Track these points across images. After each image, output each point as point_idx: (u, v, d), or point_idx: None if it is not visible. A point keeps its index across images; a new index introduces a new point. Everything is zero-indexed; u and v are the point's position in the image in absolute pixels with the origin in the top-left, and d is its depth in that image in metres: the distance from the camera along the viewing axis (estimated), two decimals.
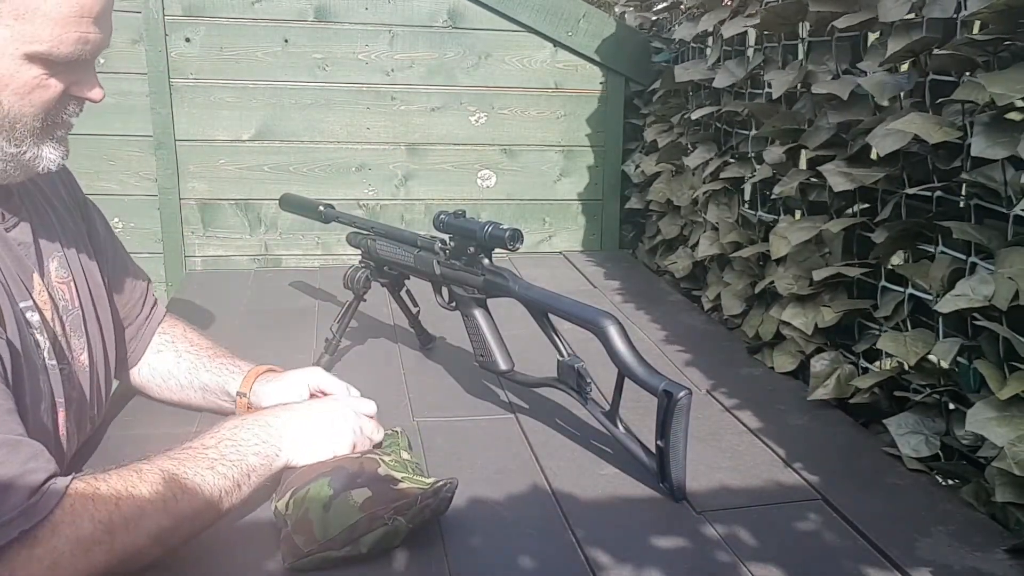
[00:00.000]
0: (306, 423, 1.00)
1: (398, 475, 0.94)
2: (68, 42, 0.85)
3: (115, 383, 1.20)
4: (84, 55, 0.88)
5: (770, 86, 1.47)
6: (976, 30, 1.07)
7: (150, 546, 0.81)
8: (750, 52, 1.65)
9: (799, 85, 1.41)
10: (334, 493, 0.89)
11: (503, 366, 1.21)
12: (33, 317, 0.95)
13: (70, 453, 1.04)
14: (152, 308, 1.26)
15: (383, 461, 0.96)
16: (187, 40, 2.07)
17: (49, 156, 0.92)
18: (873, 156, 1.25)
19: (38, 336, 0.95)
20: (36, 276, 0.98)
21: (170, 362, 1.24)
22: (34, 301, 0.96)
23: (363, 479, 0.91)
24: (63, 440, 1.00)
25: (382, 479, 0.92)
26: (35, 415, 0.92)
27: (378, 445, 1.05)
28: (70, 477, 0.80)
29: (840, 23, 1.25)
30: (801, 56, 1.47)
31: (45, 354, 0.96)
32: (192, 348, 1.25)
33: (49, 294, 1.00)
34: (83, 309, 1.07)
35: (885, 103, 1.17)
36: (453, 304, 1.28)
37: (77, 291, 1.06)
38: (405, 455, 1.04)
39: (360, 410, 1.06)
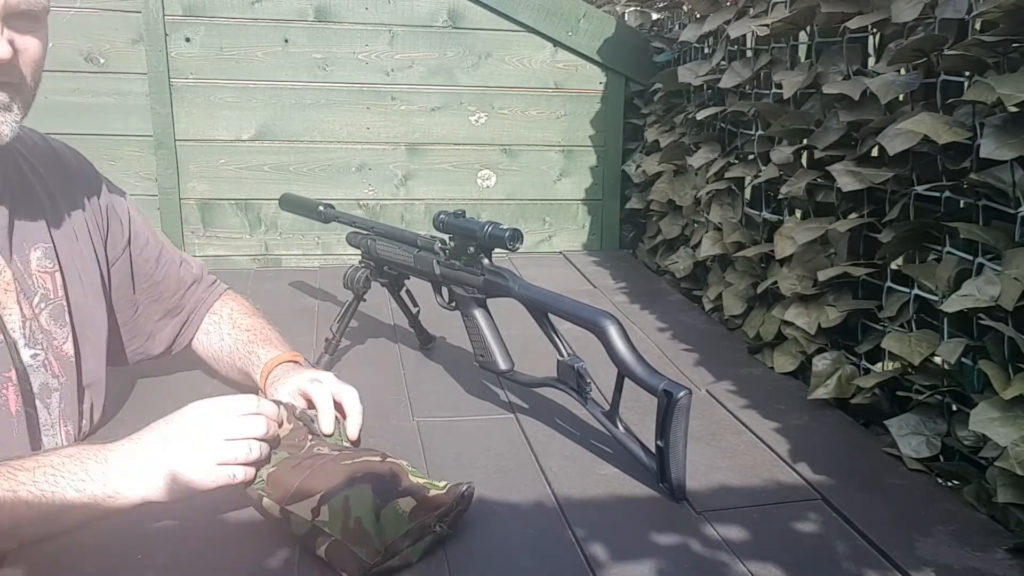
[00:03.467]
0: (164, 452, 0.87)
1: (422, 481, 0.93)
2: None
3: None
4: None
5: (779, 86, 1.47)
6: (979, 27, 1.06)
7: None
8: (750, 53, 1.65)
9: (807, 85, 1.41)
10: (380, 502, 0.86)
11: (503, 366, 1.21)
12: None
13: (61, 437, 1.06)
14: (208, 288, 1.31)
15: (404, 467, 0.94)
16: (187, 40, 2.07)
17: None
18: (875, 153, 1.25)
19: None
20: None
21: (215, 346, 1.29)
22: None
23: (403, 487, 0.89)
24: (19, 419, 1.00)
25: (416, 487, 0.90)
26: None
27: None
28: None
29: (852, 24, 1.25)
30: (808, 56, 1.47)
31: None
32: (233, 331, 1.28)
33: (14, 277, 1.01)
34: (68, 301, 1.08)
35: (886, 101, 1.16)
36: (453, 304, 1.27)
37: (64, 283, 1.07)
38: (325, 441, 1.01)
39: (242, 410, 0.93)
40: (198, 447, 0.87)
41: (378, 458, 0.95)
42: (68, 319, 1.07)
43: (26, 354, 1.02)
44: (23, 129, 1.06)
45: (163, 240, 1.28)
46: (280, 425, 0.97)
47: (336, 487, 0.87)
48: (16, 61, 0.91)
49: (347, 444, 1.05)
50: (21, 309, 1.02)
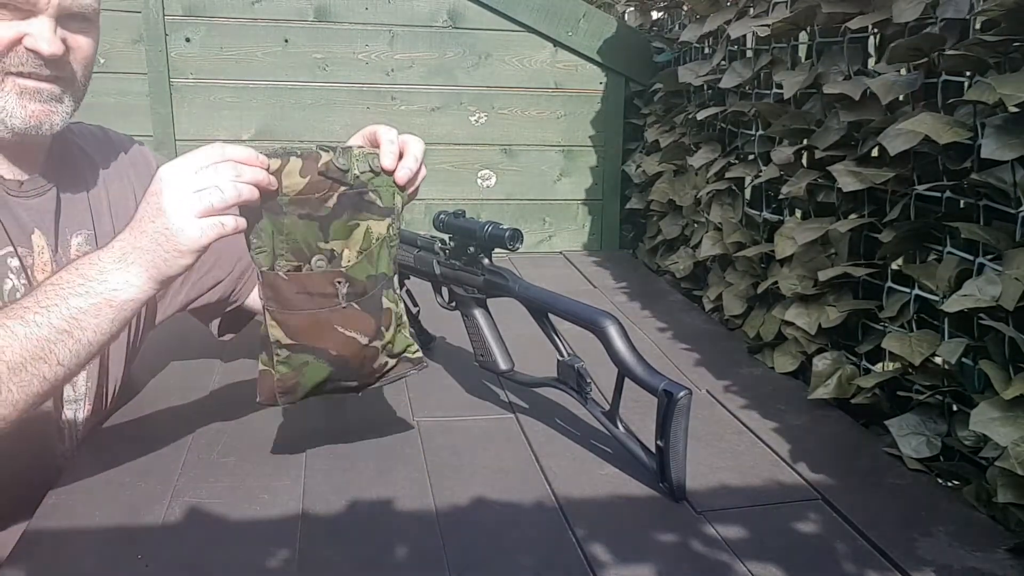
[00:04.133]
0: (143, 239, 0.86)
1: (392, 361, 1.03)
2: None
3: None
4: (27, 3, 0.93)
5: (779, 87, 1.47)
6: (981, 27, 1.06)
7: None
8: (750, 53, 1.65)
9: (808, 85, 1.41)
10: (330, 381, 0.99)
11: (503, 366, 1.21)
12: (12, 262, 1.02)
13: (83, 414, 1.12)
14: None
15: (386, 345, 1.01)
16: (187, 40, 2.07)
17: (11, 109, 0.97)
18: (875, 153, 1.25)
19: (14, 279, 1.02)
20: (36, 237, 1.05)
21: None
22: (15, 250, 1.02)
23: (358, 375, 1.01)
24: None
25: (373, 372, 1.02)
26: None
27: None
28: None
29: (853, 24, 1.25)
30: (808, 57, 1.47)
31: (14, 295, 1.02)
32: None
33: (52, 259, 1.06)
34: None
35: (887, 101, 1.16)
36: (453, 304, 1.27)
37: None
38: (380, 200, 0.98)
39: (205, 162, 0.87)
40: (176, 211, 0.85)
41: (366, 338, 0.99)
42: None
43: None
44: (85, 124, 1.20)
45: None
46: (268, 169, 0.90)
47: (309, 346, 0.96)
48: (68, 58, 0.98)
49: (396, 198, 0.98)
50: None
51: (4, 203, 1.03)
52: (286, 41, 2.12)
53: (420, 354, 1.06)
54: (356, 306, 0.98)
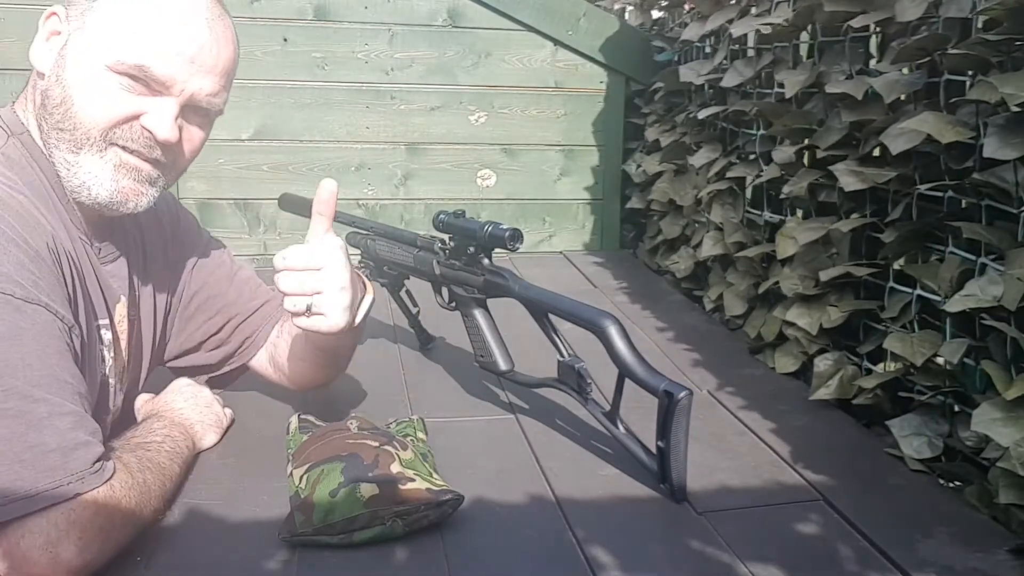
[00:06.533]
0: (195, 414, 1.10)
1: (409, 472, 0.93)
2: (160, 65, 0.90)
3: None
4: (167, 80, 0.91)
5: (781, 86, 1.47)
6: (983, 26, 1.06)
7: (149, 519, 0.90)
8: (751, 52, 1.65)
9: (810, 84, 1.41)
10: (344, 481, 0.90)
11: (503, 366, 1.20)
12: (106, 335, 0.99)
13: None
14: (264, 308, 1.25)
15: (399, 456, 0.96)
16: None
17: (102, 179, 0.93)
18: (877, 153, 1.25)
19: (106, 352, 0.99)
20: (120, 305, 1.03)
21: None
22: (112, 321, 1.00)
23: (374, 475, 0.92)
24: None
25: (392, 479, 0.92)
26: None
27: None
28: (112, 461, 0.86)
29: (856, 23, 1.25)
30: (810, 56, 1.46)
31: (107, 371, 1.00)
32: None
33: (128, 327, 1.05)
34: (129, 359, 1.08)
35: (890, 100, 1.16)
36: (453, 304, 1.27)
37: (129, 339, 1.07)
38: (421, 435, 1.09)
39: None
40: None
41: (376, 443, 0.97)
42: (124, 376, 1.07)
43: (116, 387, 1.05)
44: None
45: (246, 275, 1.26)
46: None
47: (321, 460, 0.95)
48: (178, 146, 0.96)
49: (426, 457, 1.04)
50: (124, 355, 1.05)
51: (98, 271, 0.99)
52: (285, 40, 2.11)
53: (446, 486, 0.95)
54: (367, 433, 1.02)
